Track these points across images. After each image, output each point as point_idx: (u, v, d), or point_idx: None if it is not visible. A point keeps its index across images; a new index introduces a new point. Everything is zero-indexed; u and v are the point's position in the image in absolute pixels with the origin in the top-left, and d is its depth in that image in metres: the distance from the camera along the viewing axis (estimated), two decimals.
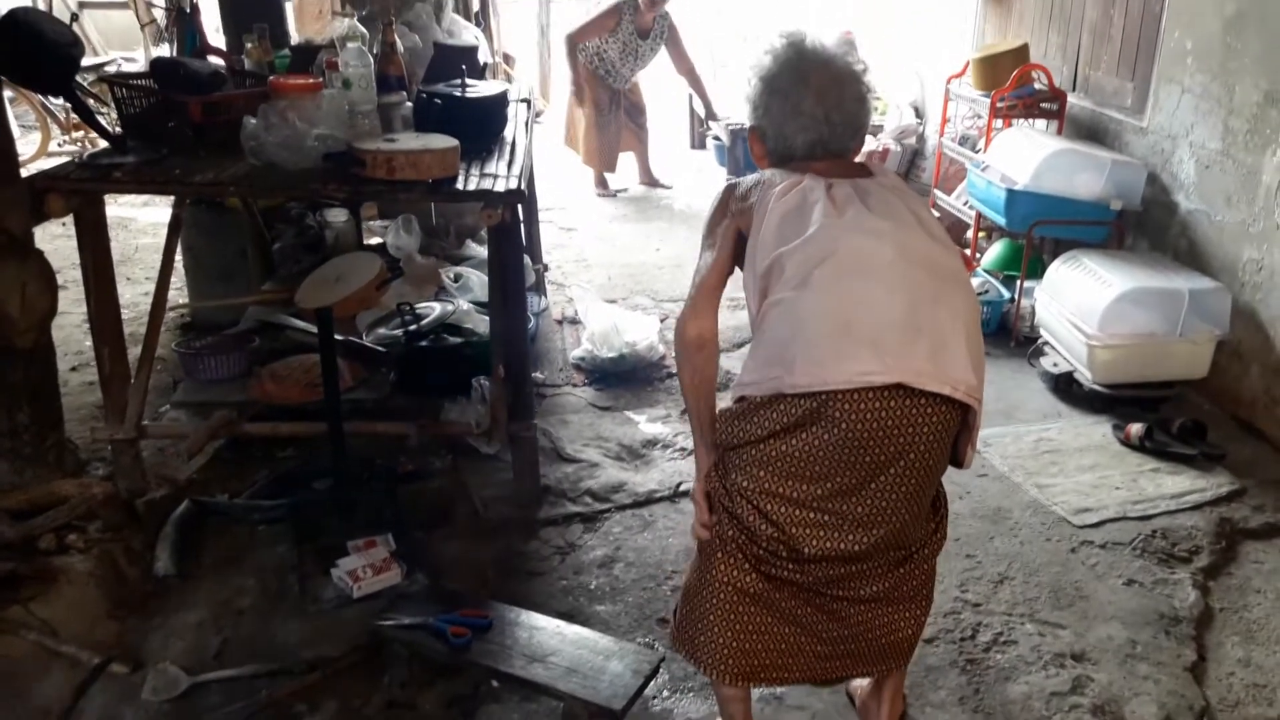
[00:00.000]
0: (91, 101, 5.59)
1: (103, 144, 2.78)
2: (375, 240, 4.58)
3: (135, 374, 2.93)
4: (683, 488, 3.14)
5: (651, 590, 2.69)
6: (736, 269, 1.90)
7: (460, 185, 2.64)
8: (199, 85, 2.72)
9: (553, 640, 2.31)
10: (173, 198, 4.00)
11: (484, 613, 2.42)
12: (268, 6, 4.14)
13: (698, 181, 6.91)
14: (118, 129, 2.87)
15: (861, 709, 2.18)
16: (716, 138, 7.00)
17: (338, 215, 4.08)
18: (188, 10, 3.54)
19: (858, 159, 1.92)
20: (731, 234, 1.87)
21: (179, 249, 3.64)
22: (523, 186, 2.64)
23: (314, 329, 3.35)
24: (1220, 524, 2.97)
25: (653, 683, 2.25)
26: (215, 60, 3.41)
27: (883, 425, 1.64)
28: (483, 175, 2.71)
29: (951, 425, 1.70)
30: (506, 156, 2.92)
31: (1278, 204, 3.30)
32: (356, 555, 2.72)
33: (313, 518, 2.90)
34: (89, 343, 3.98)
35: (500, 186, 2.62)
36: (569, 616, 2.56)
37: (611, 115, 6.42)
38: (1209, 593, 2.70)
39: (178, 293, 4.64)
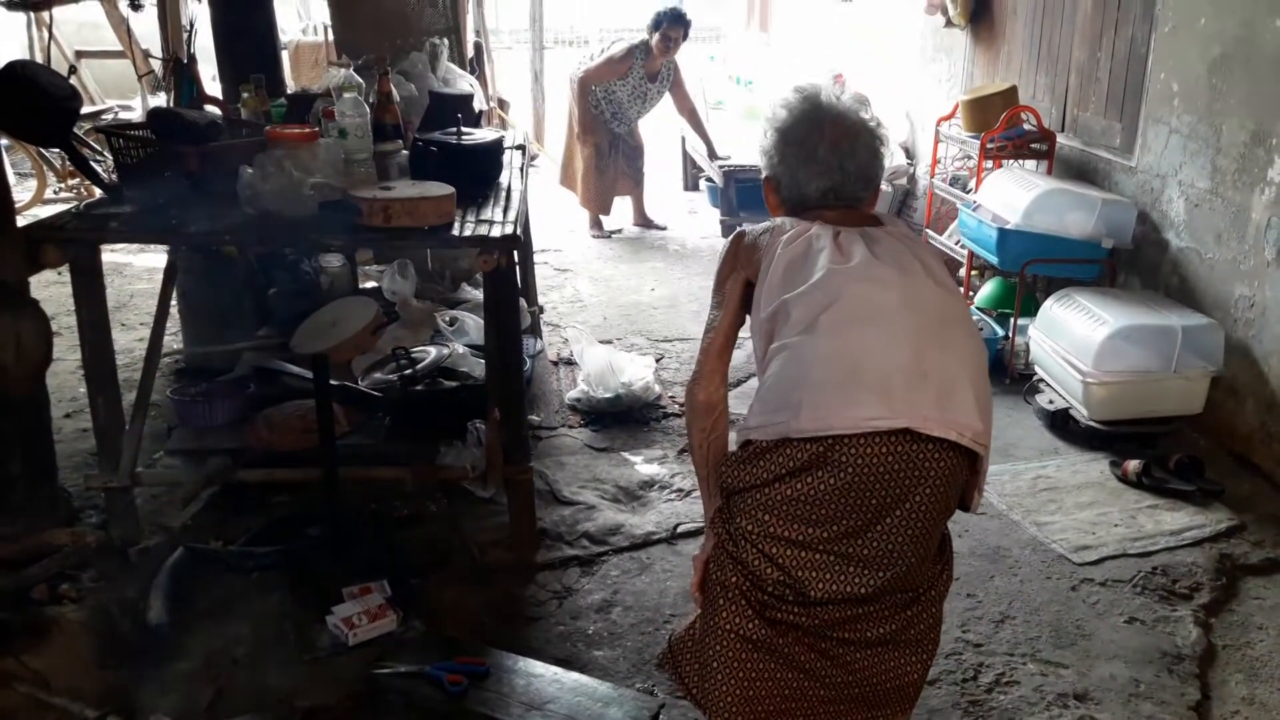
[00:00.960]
0: (87, 150, 5.62)
1: (99, 192, 2.80)
2: (370, 284, 4.60)
3: (130, 421, 2.92)
4: (680, 529, 3.13)
5: (650, 635, 2.67)
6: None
7: (456, 231, 2.65)
8: (196, 135, 2.74)
9: (551, 688, 2.30)
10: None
11: (481, 660, 2.41)
12: (264, 56, 4.18)
13: (692, 222, 6.96)
14: (114, 178, 2.89)
15: None
16: (710, 179, 7.06)
17: (333, 260, 4.10)
18: (185, 60, 3.58)
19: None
20: (740, 286, 1.88)
21: (174, 295, 3.65)
22: (518, 232, 2.66)
23: (310, 374, 3.36)
24: (1220, 560, 2.96)
25: None
26: (212, 109, 3.44)
27: (889, 470, 1.63)
28: (479, 221, 2.73)
29: (958, 470, 1.69)
30: (502, 202, 2.94)
31: (1267, 241, 3.33)
32: (352, 602, 2.70)
33: (307, 564, 2.88)
34: (83, 389, 3.98)
35: (496, 232, 2.63)
36: (567, 662, 2.54)
37: (611, 159, 6.49)
38: (1211, 630, 2.69)
39: (173, 338, 4.65)
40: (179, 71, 3.54)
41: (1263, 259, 3.36)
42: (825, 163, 1.84)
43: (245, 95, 3.24)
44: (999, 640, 2.64)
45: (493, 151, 3.14)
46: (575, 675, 2.36)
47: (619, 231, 6.67)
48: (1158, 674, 2.51)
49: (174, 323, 4.93)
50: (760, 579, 1.77)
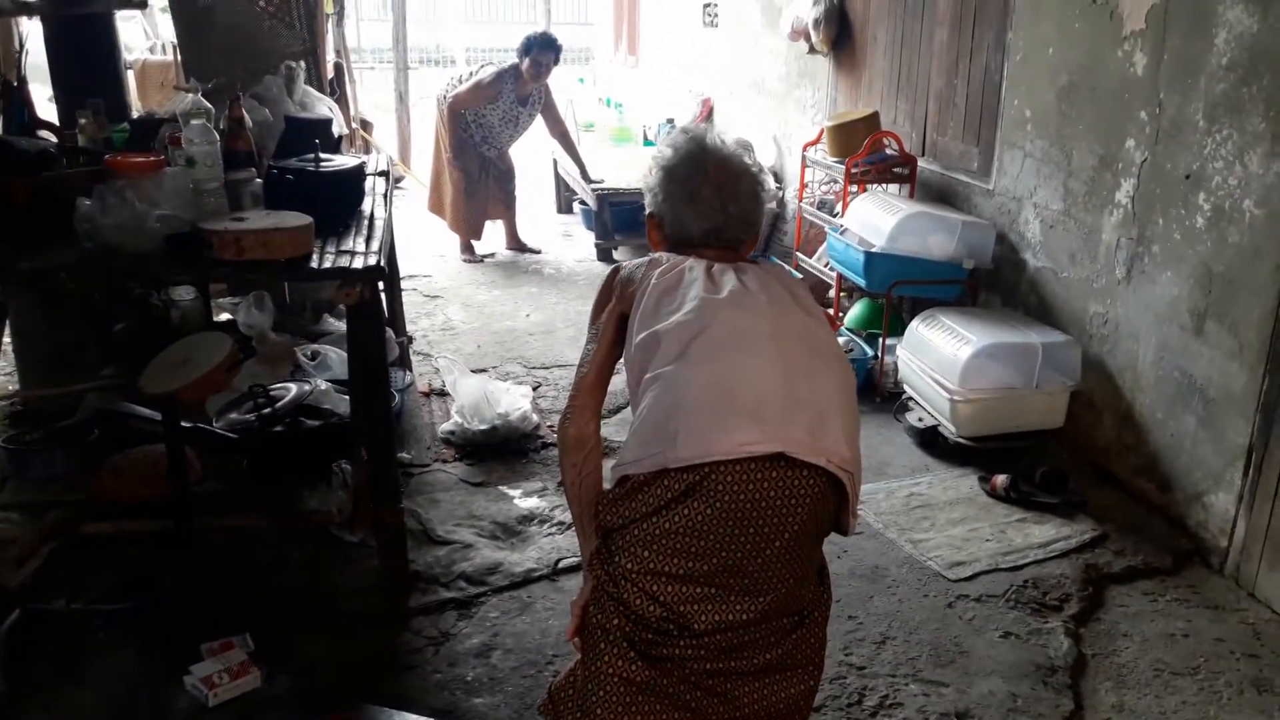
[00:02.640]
0: None
1: None
2: (225, 317, 4.38)
3: None
4: (562, 564, 3.05)
5: (533, 678, 2.58)
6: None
7: (316, 264, 2.52)
8: (25, 165, 2.53)
9: None
10: None
11: (354, 716, 2.28)
12: (105, 77, 3.94)
13: (566, 246, 6.90)
14: None
15: None
16: (583, 202, 7.03)
17: (184, 293, 3.88)
18: (15, 83, 3.33)
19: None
20: (614, 320, 1.88)
21: (6, 333, 3.38)
22: (382, 262, 2.55)
23: (159, 417, 3.15)
24: (1086, 570, 3.06)
25: None
26: (46, 136, 3.21)
27: (765, 496, 1.64)
28: (339, 252, 2.60)
29: (829, 496, 1.70)
30: (365, 231, 2.82)
31: (1118, 260, 3.48)
32: (211, 660, 2.54)
33: (160, 621, 2.69)
34: None
35: (358, 263, 2.51)
36: (445, 713, 2.44)
37: (481, 183, 6.38)
38: (1081, 640, 2.77)
39: (7, 378, 4.33)
40: (8, 95, 3.28)
41: (1114, 277, 3.50)
42: (709, 204, 1.87)
43: (82, 121, 3.03)
44: (881, 662, 2.65)
45: (353, 178, 3.02)
46: None
47: (491, 256, 6.57)
48: (1033, 687, 2.56)
49: (8, 361, 4.61)
50: (643, 617, 1.73)
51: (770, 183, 1.86)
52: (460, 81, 6.32)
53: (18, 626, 2.64)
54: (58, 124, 3.56)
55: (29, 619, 2.67)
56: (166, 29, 8.45)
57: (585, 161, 6.55)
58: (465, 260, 6.45)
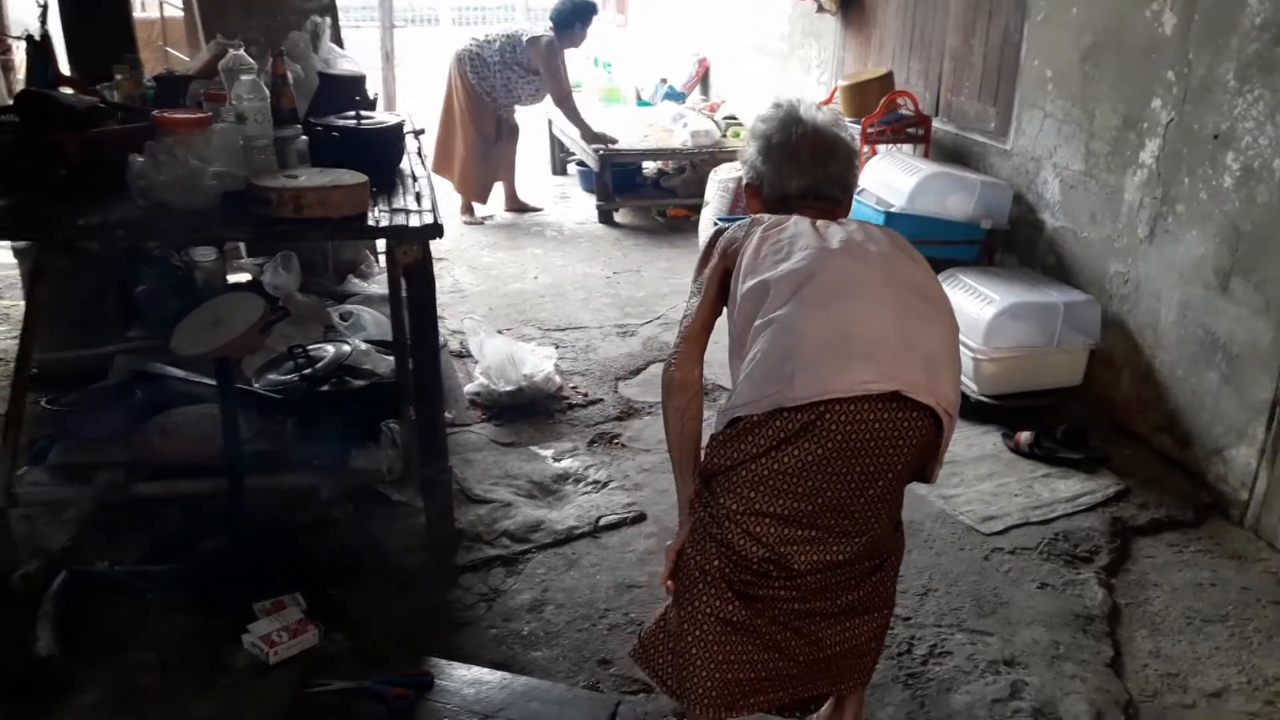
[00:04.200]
0: None
1: None
2: (242, 278, 4.35)
3: (2, 437, 2.66)
4: (603, 522, 3.09)
5: (587, 631, 2.62)
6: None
7: (372, 221, 2.52)
8: (76, 121, 2.50)
9: (501, 694, 2.23)
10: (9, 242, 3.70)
11: (422, 670, 2.31)
12: (120, 35, 3.87)
13: (565, 208, 6.87)
14: None
15: None
16: (582, 163, 6.99)
17: (206, 254, 3.85)
18: (39, 39, 3.26)
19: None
20: (718, 276, 1.92)
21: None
22: (439, 220, 2.55)
23: (197, 378, 3.14)
24: (1113, 523, 3.14)
25: None
26: (69, 92, 3.16)
27: (875, 435, 1.69)
28: (393, 210, 2.60)
29: (931, 439, 1.76)
30: (412, 189, 2.81)
31: (1140, 220, 3.54)
32: (267, 619, 2.55)
33: (210, 581, 2.70)
34: None
35: (415, 221, 2.52)
36: (505, 666, 2.47)
37: (496, 145, 6.38)
38: (1113, 590, 2.85)
39: (11, 342, 4.28)
40: (33, 51, 3.22)
41: (1136, 237, 3.56)
42: (806, 162, 1.95)
43: (119, 77, 2.99)
44: (925, 613, 2.72)
45: (395, 136, 3.00)
46: (524, 679, 2.29)
47: (490, 217, 6.54)
48: (1074, 635, 2.64)
49: (10, 325, 4.55)
50: (744, 558, 1.78)
51: (857, 148, 1.99)
52: (489, 40, 6.22)
53: (65, 588, 2.63)
54: (77, 80, 3.50)
55: (76, 581, 2.66)
56: None
57: (588, 121, 6.49)
58: (466, 222, 6.42)
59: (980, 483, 3.34)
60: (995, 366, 3.67)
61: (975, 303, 3.73)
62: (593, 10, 6.25)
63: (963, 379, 3.78)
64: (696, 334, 1.92)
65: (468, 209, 6.48)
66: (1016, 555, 2.98)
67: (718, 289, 1.92)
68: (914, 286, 1.80)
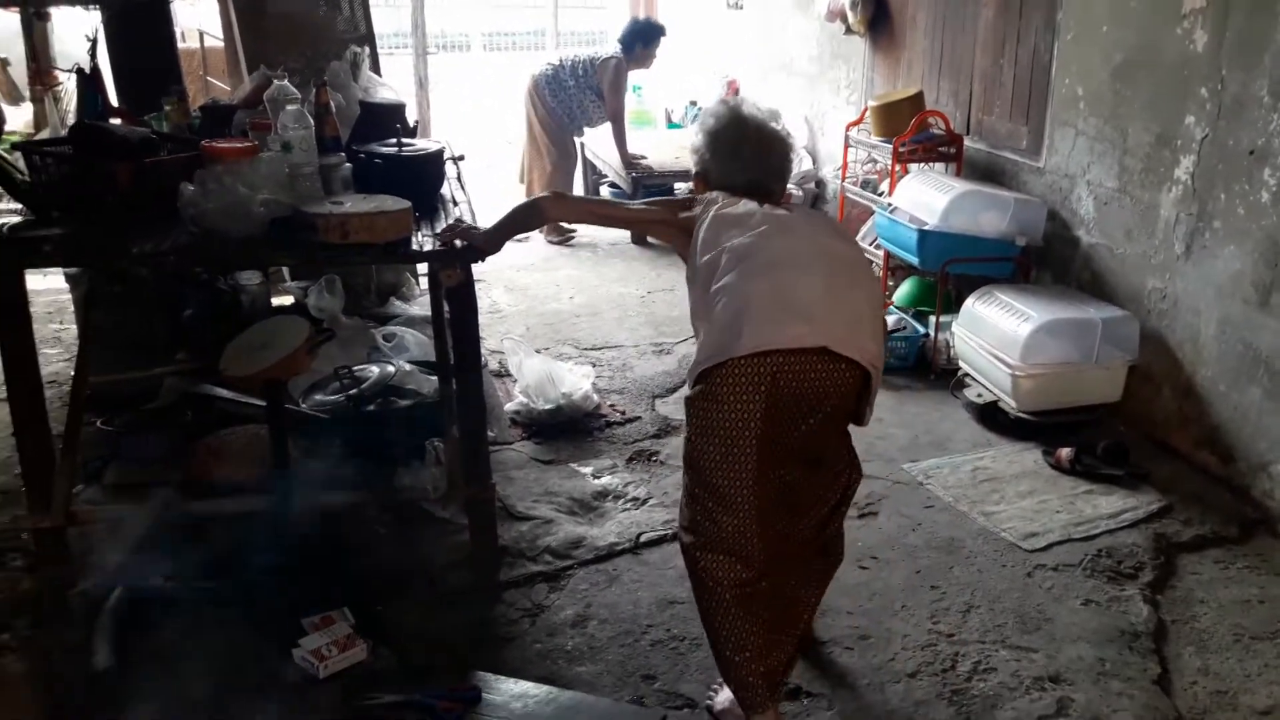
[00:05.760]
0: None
1: None
2: (286, 301, 4.43)
3: (60, 457, 2.73)
4: (644, 538, 3.12)
5: (630, 646, 2.65)
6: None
7: (415, 246, 2.58)
8: (129, 150, 2.58)
9: (548, 708, 2.25)
10: (62, 269, 3.80)
11: (469, 684, 2.34)
12: (166, 66, 3.98)
13: (598, 228, 6.91)
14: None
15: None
16: (614, 185, 7.05)
17: (251, 278, 3.93)
18: (88, 71, 3.37)
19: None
20: (666, 207, 2.44)
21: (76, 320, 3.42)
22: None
23: (246, 399, 3.21)
24: (1156, 540, 3.12)
25: None
26: (119, 122, 3.25)
27: (807, 380, 2.07)
28: (435, 235, 2.65)
29: (857, 385, 2.14)
30: (453, 214, 2.87)
31: (1177, 236, 3.53)
32: (316, 634, 2.60)
33: (260, 597, 2.75)
34: None
35: (456, 244, 2.57)
36: (550, 681, 2.49)
37: (573, 162, 6.60)
38: (1159, 606, 2.83)
39: (68, 365, 4.37)
40: (83, 83, 3.32)
41: (1173, 253, 3.56)
42: (750, 159, 2.34)
43: (167, 108, 3.07)
44: (969, 629, 2.72)
45: (436, 162, 3.07)
46: (571, 694, 2.32)
47: (574, 234, 6.61)
48: (1119, 652, 2.63)
49: (63, 348, 4.65)
50: (743, 436, 2.11)
51: (795, 143, 2.79)
52: (563, 65, 6.34)
53: (121, 604, 2.69)
54: (124, 111, 3.60)
55: (131, 597, 2.72)
56: (187, 18, 8.45)
57: (628, 144, 6.54)
58: (553, 242, 6.50)
59: (1021, 499, 3.34)
60: (1033, 383, 3.67)
61: (1012, 320, 3.74)
62: (655, 32, 6.30)
63: (1000, 394, 3.79)
64: (603, 203, 2.69)
65: (555, 229, 6.56)
66: (1059, 572, 2.97)
67: (658, 211, 2.45)
68: (842, 260, 2.20)
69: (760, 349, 2.02)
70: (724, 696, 2.34)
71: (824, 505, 2.32)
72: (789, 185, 6.19)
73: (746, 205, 2.24)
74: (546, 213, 2.71)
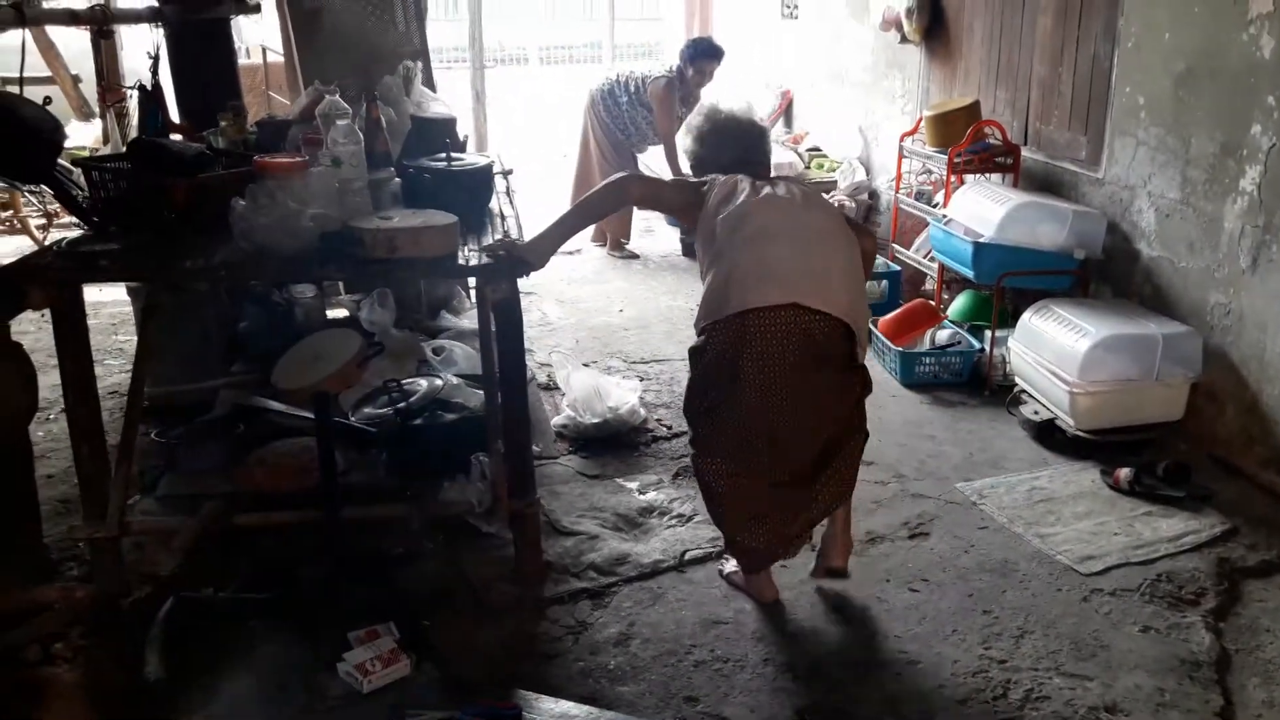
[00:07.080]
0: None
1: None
2: (340, 314, 4.48)
3: (115, 468, 2.78)
4: (688, 556, 3.09)
5: (673, 666, 2.62)
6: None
7: (462, 261, 2.59)
8: (184, 167, 2.63)
9: None
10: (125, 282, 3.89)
11: (511, 703, 2.34)
12: (224, 81, 4.05)
13: (649, 241, 6.92)
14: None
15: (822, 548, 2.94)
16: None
17: (305, 291, 3.98)
18: (149, 88, 3.44)
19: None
20: (685, 189, 2.84)
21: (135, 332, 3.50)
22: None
23: (296, 411, 3.24)
24: (1220, 564, 3.02)
25: None
26: (178, 138, 3.32)
27: (782, 330, 2.53)
28: (483, 249, 2.66)
29: (837, 334, 2.58)
30: (500, 229, 2.88)
31: (1242, 249, 3.42)
32: (361, 647, 2.60)
33: (307, 609, 2.77)
34: (39, 432, 3.80)
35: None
36: (592, 700, 2.48)
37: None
38: (1222, 635, 2.73)
39: (129, 376, 4.47)
40: (145, 100, 3.40)
41: (1238, 267, 3.45)
42: (731, 142, 2.84)
43: (223, 124, 3.13)
44: (1021, 655, 2.64)
45: (485, 176, 3.08)
46: (610, 714, 2.30)
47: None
48: (1179, 682, 2.54)
49: (125, 360, 4.76)
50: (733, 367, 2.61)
51: (768, 128, 3.20)
52: (619, 81, 6.34)
53: (173, 615, 2.73)
54: (185, 127, 3.67)
55: (183, 608, 2.76)
56: (249, 34, 8.63)
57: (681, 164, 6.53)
58: (615, 256, 6.52)
59: (1078, 521, 3.25)
60: (1092, 400, 3.58)
61: (1070, 335, 3.65)
62: (707, 52, 6.22)
63: (1057, 412, 3.70)
64: (667, 185, 3.18)
65: (616, 244, 6.58)
66: (1117, 597, 2.88)
67: (679, 189, 2.91)
68: (818, 230, 2.66)
69: (741, 308, 2.52)
70: (732, 563, 2.92)
71: (820, 436, 2.66)
72: (842, 197, 6.34)
73: (741, 182, 2.70)
74: (629, 191, 2.86)
